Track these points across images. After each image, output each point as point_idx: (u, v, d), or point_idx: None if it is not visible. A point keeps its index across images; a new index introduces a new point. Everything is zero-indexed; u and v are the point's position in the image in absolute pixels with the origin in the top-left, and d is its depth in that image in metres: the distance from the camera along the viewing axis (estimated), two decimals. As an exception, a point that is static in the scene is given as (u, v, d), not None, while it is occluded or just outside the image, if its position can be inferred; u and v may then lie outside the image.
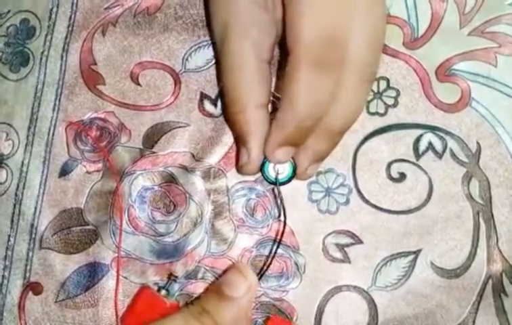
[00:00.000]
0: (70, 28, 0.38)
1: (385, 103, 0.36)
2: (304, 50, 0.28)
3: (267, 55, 0.31)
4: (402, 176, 0.35)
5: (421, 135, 0.36)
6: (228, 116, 0.33)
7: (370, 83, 0.31)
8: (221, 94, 0.36)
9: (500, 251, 0.35)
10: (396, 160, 0.36)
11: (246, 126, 0.31)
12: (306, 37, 0.28)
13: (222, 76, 0.32)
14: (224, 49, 0.31)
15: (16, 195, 0.37)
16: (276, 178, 0.33)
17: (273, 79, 0.36)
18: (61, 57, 0.38)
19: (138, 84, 0.37)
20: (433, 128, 0.36)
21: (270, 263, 0.34)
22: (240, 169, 0.33)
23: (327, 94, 0.29)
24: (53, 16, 0.38)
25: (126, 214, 0.36)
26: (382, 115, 0.36)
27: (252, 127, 0.31)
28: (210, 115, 0.37)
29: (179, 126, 0.37)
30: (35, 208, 0.37)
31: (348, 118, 0.31)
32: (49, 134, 0.37)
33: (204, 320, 0.30)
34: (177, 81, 0.37)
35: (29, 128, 0.37)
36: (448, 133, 0.36)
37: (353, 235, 0.35)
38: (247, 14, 0.30)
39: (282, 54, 0.36)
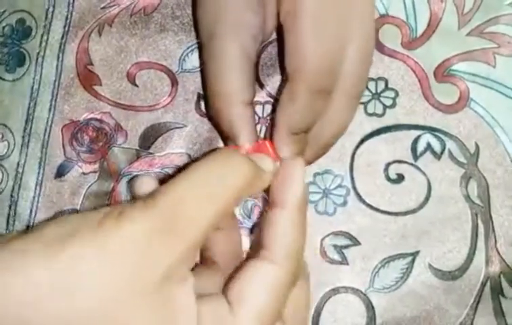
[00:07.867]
0: (66, 28, 0.38)
1: (383, 104, 0.36)
2: (304, 80, 0.29)
3: (253, 55, 0.31)
4: (400, 177, 0.35)
5: (419, 136, 0.35)
6: (214, 115, 0.32)
7: (358, 99, 0.32)
8: (205, 93, 0.36)
9: (499, 253, 0.34)
10: (394, 161, 0.35)
11: (235, 123, 0.31)
12: (307, 69, 0.29)
13: (208, 75, 0.31)
14: (211, 47, 0.31)
15: (12, 196, 0.37)
16: None
17: (272, 78, 0.36)
18: (58, 57, 0.38)
19: (135, 84, 0.37)
20: (431, 129, 0.35)
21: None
22: None
23: (318, 114, 0.30)
24: (50, 16, 0.38)
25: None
26: (380, 116, 0.36)
27: (241, 123, 0.31)
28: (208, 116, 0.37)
29: (176, 127, 0.37)
30: (31, 209, 0.36)
31: (334, 134, 0.32)
32: (44, 135, 0.37)
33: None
34: (174, 82, 0.37)
35: (25, 129, 0.37)
36: (446, 133, 0.35)
37: (351, 237, 0.35)
38: (235, 16, 0.30)
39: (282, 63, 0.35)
